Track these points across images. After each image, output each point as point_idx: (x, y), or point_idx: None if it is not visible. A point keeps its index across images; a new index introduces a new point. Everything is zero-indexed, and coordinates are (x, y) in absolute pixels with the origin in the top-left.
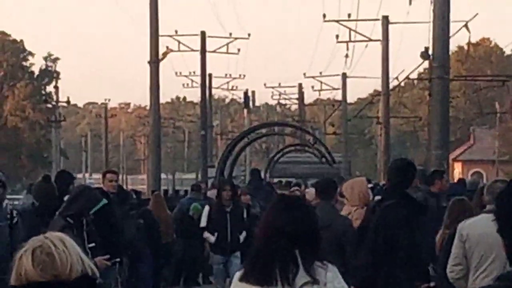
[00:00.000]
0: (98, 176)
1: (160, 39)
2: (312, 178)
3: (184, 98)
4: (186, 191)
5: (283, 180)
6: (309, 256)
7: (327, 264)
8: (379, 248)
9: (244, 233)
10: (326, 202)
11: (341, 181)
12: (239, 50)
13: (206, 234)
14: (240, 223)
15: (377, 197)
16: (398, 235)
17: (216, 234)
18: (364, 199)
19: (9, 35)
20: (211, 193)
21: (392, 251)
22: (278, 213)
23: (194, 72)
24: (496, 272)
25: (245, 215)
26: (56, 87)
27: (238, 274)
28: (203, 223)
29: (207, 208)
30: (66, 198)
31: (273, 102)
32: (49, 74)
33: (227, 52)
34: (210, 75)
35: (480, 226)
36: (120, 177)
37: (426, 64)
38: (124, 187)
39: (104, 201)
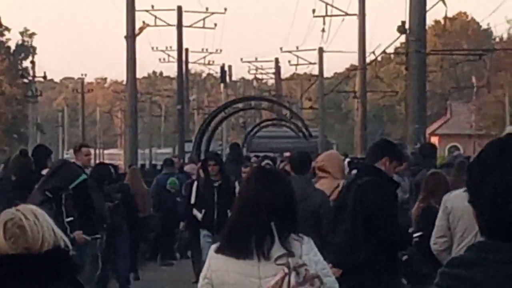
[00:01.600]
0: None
1: (137, 14)
2: (289, 153)
3: (161, 73)
4: (162, 166)
5: (260, 155)
6: (285, 229)
7: (303, 237)
8: (358, 229)
9: None
10: (301, 175)
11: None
12: (215, 24)
13: (195, 211)
14: (230, 198)
15: (354, 171)
16: (378, 215)
17: (203, 211)
18: (344, 172)
19: None
20: (189, 168)
21: (372, 231)
22: (255, 185)
23: (170, 47)
24: None
25: (236, 190)
26: (32, 62)
27: (214, 246)
28: (192, 199)
29: (195, 184)
30: (44, 172)
31: (250, 77)
32: (26, 49)
33: (203, 27)
34: (186, 49)
35: (464, 199)
36: (97, 151)
37: (403, 38)
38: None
39: (84, 176)
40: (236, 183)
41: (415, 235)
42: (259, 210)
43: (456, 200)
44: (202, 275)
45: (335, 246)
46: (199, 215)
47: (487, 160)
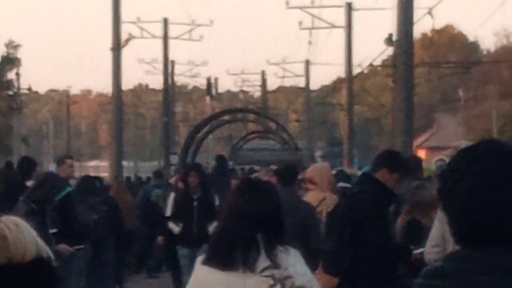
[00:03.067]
0: None
1: (123, 25)
2: (275, 165)
3: (147, 85)
4: (148, 178)
5: (246, 167)
6: (271, 240)
7: (289, 249)
8: (345, 236)
9: (214, 224)
10: (287, 187)
11: (303, 169)
12: (202, 37)
13: (171, 225)
14: (210, 212)
15: (341, 184)
16: (365, 226)
17: (181, 224)
18: (332, 185)
19: None
20: (173, 180)
21: (358, 241)
22: (241, 196)
23: (156, 59)
24: None
25: (216, 203)
26: (17, 74)
27: (200, 258)
28: (167, 212)
29: (172, 195)
30: (28, 184)
31: (236, 89)
32: (10, 61)
33: (189, 39)
34: (172, 62)
35: None
36: (82, 164)
37: (390, 50)
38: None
39: (69, 188)
40: (216, 197)
41: (416, 251)
42: (246, 222)
43: None
44: (188, 286)
45: (325, 253)
46: (175, 229)
47: (457, 168)
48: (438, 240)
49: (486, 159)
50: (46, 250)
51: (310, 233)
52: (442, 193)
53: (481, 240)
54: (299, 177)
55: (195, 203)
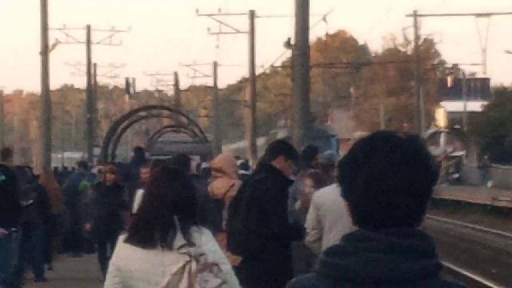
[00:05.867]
0: None
1: (50, 31)
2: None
3: (72, 85)
4: (73, 168)
5: (162, 158)
6: (187, 222)
7: (202, 229)
8: (251, 220)
9: None
10: None
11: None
12: (121, 41)
13: None
14: None
15: (241, 171)
16: (268, 208)
17: None
18: (237, 172)
19: None
20: (96, 170)
21: (264, 223)
22: (160, 182)
23: (80, 62)
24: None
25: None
26: None
27: (122, 237)
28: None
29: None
30: None
31: (152, 88)
32: None
33: (110, 44)
34: (95, 64)
35: (332, 194)
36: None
37: (289, 53)
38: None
39: (3, 177)
40: None
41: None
42: (164, 205)
43: (325, 196)
44: (111, 262)
45: (232, 235)
46: None
47: (356, 158)
48: (314, 224)
49: (383, 149)
50: None
51: (208, 214)
52: (342, 181)
53: (379, 222)
54: (207, 166)
55: None
